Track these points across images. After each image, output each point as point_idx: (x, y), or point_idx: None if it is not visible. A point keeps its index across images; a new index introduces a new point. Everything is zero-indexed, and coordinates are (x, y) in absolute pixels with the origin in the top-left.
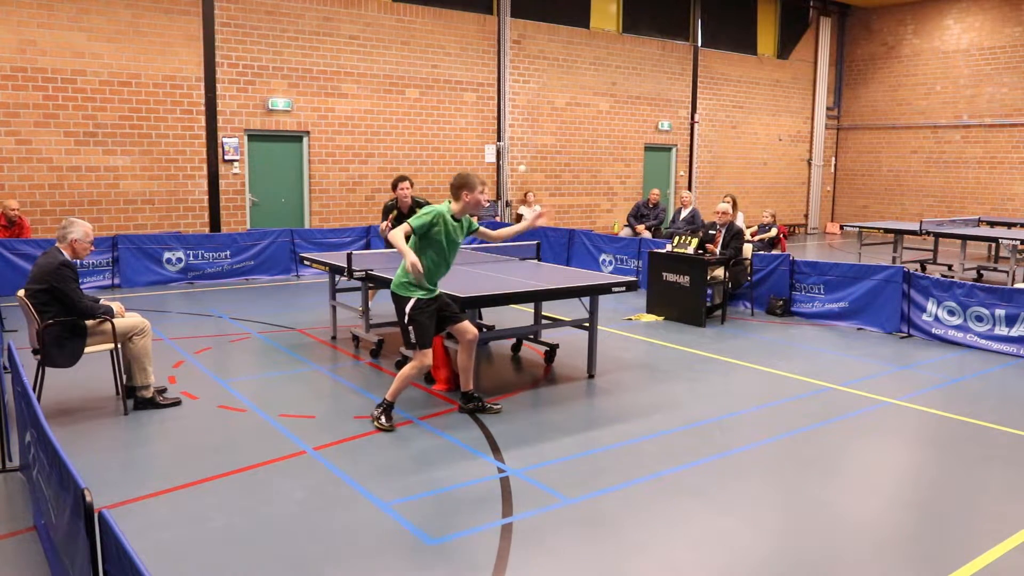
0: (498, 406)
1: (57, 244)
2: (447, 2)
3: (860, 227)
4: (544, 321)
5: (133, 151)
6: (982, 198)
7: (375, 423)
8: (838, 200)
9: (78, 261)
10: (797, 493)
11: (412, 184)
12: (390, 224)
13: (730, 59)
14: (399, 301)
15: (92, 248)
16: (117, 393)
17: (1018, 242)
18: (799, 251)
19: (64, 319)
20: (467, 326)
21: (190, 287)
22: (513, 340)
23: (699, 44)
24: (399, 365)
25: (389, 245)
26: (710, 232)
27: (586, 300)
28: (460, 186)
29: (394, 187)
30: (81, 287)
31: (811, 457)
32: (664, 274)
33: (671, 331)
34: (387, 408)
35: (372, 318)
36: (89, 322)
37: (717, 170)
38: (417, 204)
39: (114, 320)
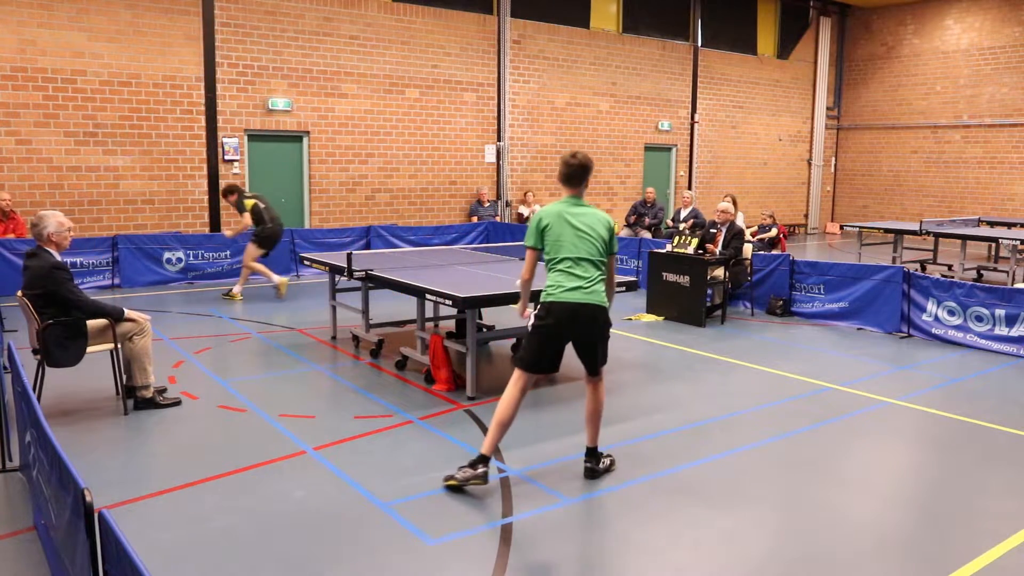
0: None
1: (39, 244)
2: (447, 2)
3: (860, 227)
4: None
5: (133, 151)
6: (982, 198)
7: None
8: (838, 200)
9: (70, 260)
10: (797, 493)
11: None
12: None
13: (730, 59)
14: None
15: (71, 234)
16: (117, 393)
17: (1018, 242)
18: (799, 251)
19: (64, 319)
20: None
21: (190, 287)
22: (513, 340)
23: (699, 44)
24: (399, 365)
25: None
26: (710, 232)
27: None
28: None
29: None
30: (79, 286)
31: (811, 457)
32: (664, 274)
33: (671, 331)
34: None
35: (372, 318)
36: (98, 323)
37: (717, 170)
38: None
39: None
